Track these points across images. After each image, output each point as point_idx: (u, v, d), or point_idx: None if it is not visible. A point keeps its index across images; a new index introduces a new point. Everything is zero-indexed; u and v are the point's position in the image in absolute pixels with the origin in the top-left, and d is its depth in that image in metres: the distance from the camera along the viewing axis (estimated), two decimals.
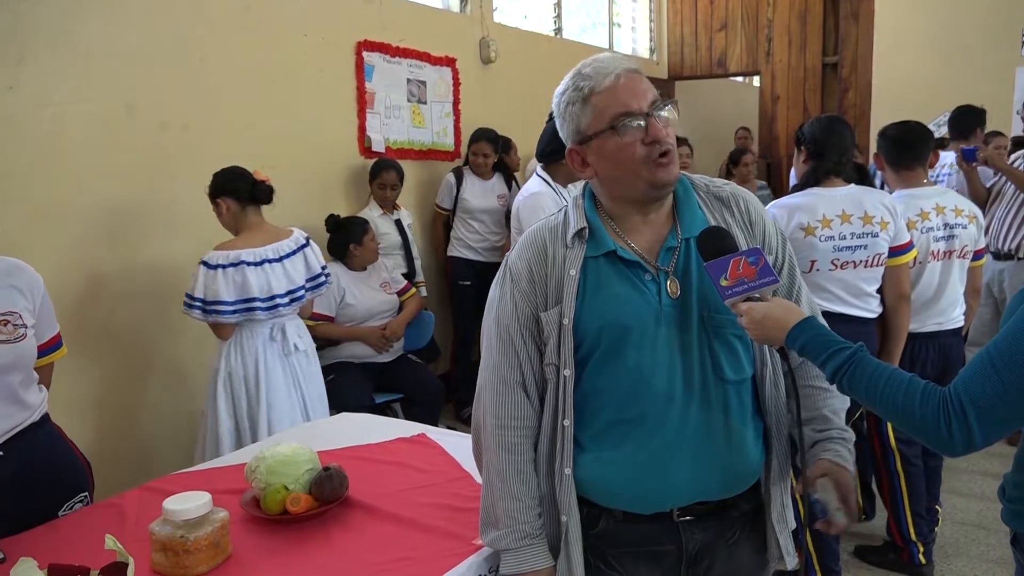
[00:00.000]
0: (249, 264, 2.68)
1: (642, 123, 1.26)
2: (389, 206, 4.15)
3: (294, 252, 2.82)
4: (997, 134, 5.55)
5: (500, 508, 1.37)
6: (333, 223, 3.69)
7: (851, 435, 1.40)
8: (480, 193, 4.54)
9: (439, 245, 4.63)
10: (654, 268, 1.32)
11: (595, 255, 1.33)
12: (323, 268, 2.93)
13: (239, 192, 2.76)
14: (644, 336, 1.29)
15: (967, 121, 4.69)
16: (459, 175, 4.52)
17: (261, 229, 2.80)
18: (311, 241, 2.92)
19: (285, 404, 2.80)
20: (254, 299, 2.67)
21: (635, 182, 1.29)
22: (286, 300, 2.76)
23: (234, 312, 2.67)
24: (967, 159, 4.32)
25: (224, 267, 2.65)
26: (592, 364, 1.32)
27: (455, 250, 4.57)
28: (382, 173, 4.07)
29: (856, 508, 1.32)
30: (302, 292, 2.82)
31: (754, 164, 6.31)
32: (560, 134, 1.37)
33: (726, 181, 1.44)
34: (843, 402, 1.43)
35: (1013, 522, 1.37)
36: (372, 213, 4.08)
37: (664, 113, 1.29)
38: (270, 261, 2.73)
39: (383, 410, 3.57)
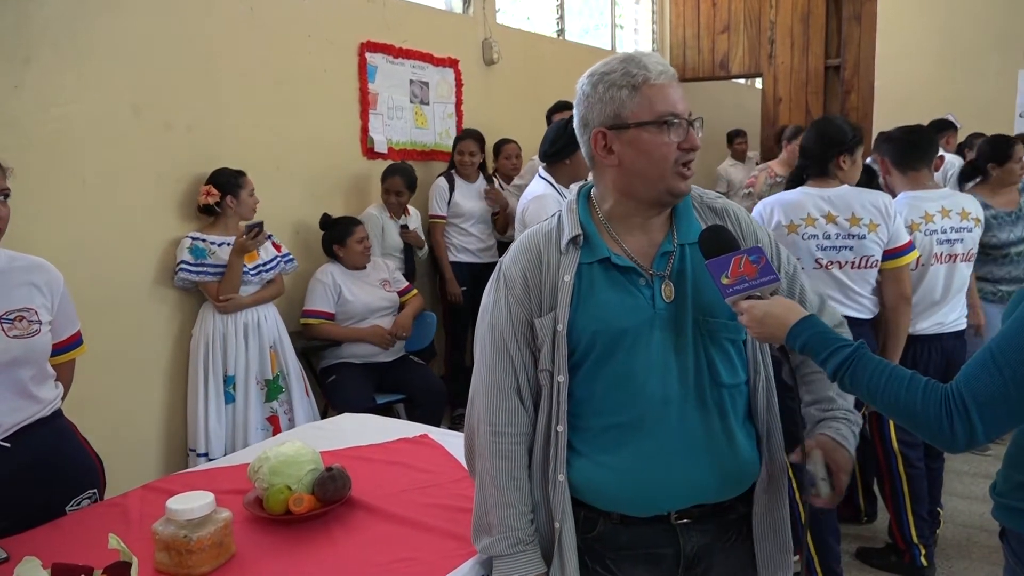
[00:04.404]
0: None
1: (686, 128, 1.28)
2: (396, 211, 4.15)
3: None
4: (978, 136, 5.53)
5: (493, 515, 1.37)
6: (325, 223, 3.74)
7: (856, 417, 1.40)
8: (469, 196, 4.52)
9: (442, 255, 4.49)
10: (649, 273, 1.33)
11: (589, 261, 1.33)
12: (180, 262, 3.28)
13: None
14: (638, 340, 1.29)
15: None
16: (450, 179, 4.49)
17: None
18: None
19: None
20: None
21: (657, 183, 1.30)
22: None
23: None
24: None
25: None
26: (586, 369, 1.32)
27: (450, 255, 4.53)
28: (388, 178, 4.10)
29: (844, 486, 1.32)
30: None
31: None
32: (584, 115, 1.35)
33: (718, 194, 1.46)
34: None
35: (1002, 516, 1.37)
36: (381, 213, 4.11)
37: (697, 126, 1.31)
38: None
39: (385, 411, 3.58)
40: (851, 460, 1.34)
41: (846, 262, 2.50)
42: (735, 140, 7.12)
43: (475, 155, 4.51)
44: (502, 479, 1.36)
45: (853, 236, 2.48)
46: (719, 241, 1.28)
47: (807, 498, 1.33)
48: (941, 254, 2.74)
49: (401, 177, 4.09)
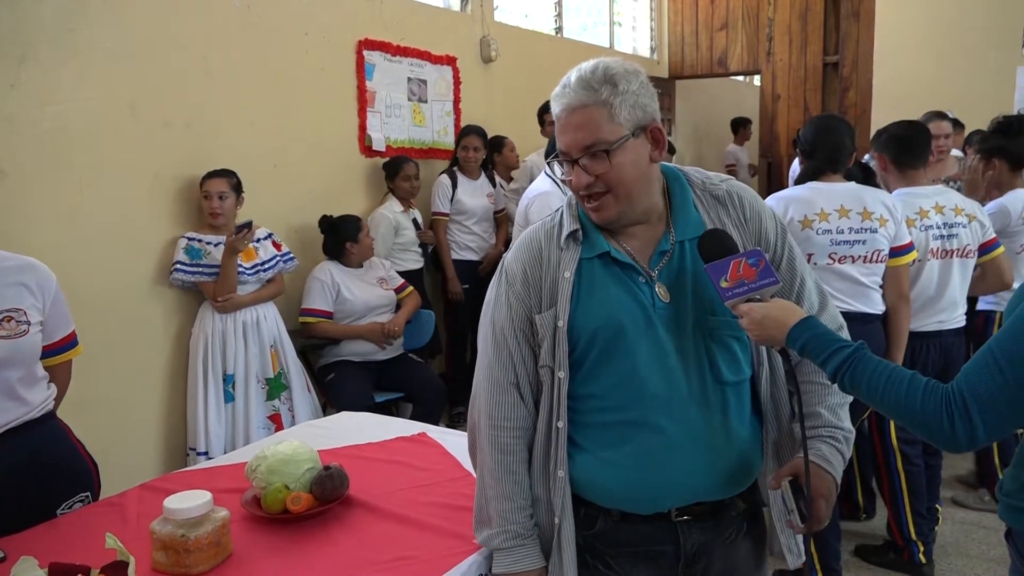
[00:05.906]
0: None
1: (569, 167, 1.30)
2: (411, 196, 4.22)
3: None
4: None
5: (493, 508, 1.37)
6: (327, 224, 3.74)
7: (844, 433, 1.36)
8: (472, 193, 4.52)
9: (444, 253, 4.49)
10: (647, 271, 1.32)
11: (589, 256, 1.33)
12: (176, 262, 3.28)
13: None
14: (639, 338, 1.29)
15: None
16: (453, 177, 4.49)
17: None
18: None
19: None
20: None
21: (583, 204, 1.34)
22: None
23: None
24: None
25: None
26: (587, 366, 1.32)
27: (453, 253, 4.53)
28: (403, 166, 4.17)
29: (824, 512, 1.29)
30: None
31: None
32: None
33: (724, 177, 1.41)
34: (842, 398, 1.39)
35: (1008, 517, 1.36)
36: (394, 209, 4.14)
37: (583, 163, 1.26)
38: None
39: (384, 409, 3.57)
40: (832, 483, 1.31)
41: (859, 256, 2.49)
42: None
43: (479, 151, 4.52)
44: (501, 473, 1.36)
45: (865, 230, 2.47)
46: (718, 245, 1.27)
47: (785, 524, 1.32)
48: (936, 250, 2.74)
49: (414, 163, 4.19)
